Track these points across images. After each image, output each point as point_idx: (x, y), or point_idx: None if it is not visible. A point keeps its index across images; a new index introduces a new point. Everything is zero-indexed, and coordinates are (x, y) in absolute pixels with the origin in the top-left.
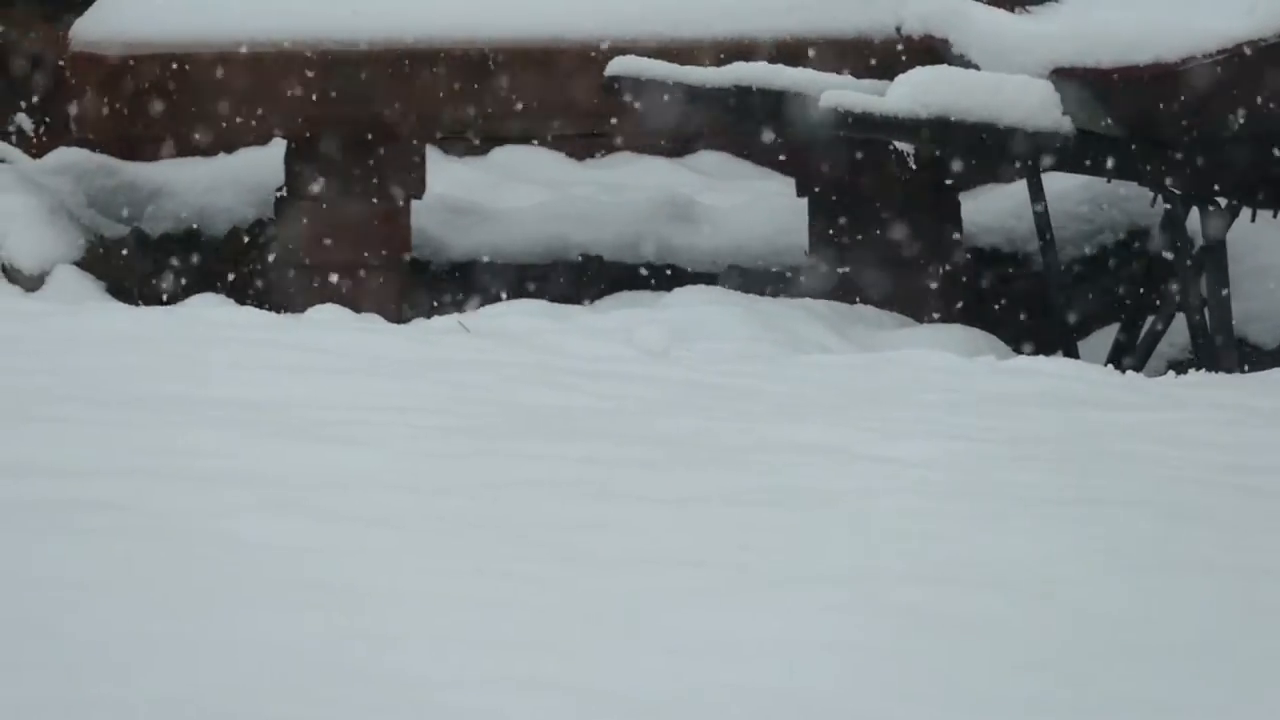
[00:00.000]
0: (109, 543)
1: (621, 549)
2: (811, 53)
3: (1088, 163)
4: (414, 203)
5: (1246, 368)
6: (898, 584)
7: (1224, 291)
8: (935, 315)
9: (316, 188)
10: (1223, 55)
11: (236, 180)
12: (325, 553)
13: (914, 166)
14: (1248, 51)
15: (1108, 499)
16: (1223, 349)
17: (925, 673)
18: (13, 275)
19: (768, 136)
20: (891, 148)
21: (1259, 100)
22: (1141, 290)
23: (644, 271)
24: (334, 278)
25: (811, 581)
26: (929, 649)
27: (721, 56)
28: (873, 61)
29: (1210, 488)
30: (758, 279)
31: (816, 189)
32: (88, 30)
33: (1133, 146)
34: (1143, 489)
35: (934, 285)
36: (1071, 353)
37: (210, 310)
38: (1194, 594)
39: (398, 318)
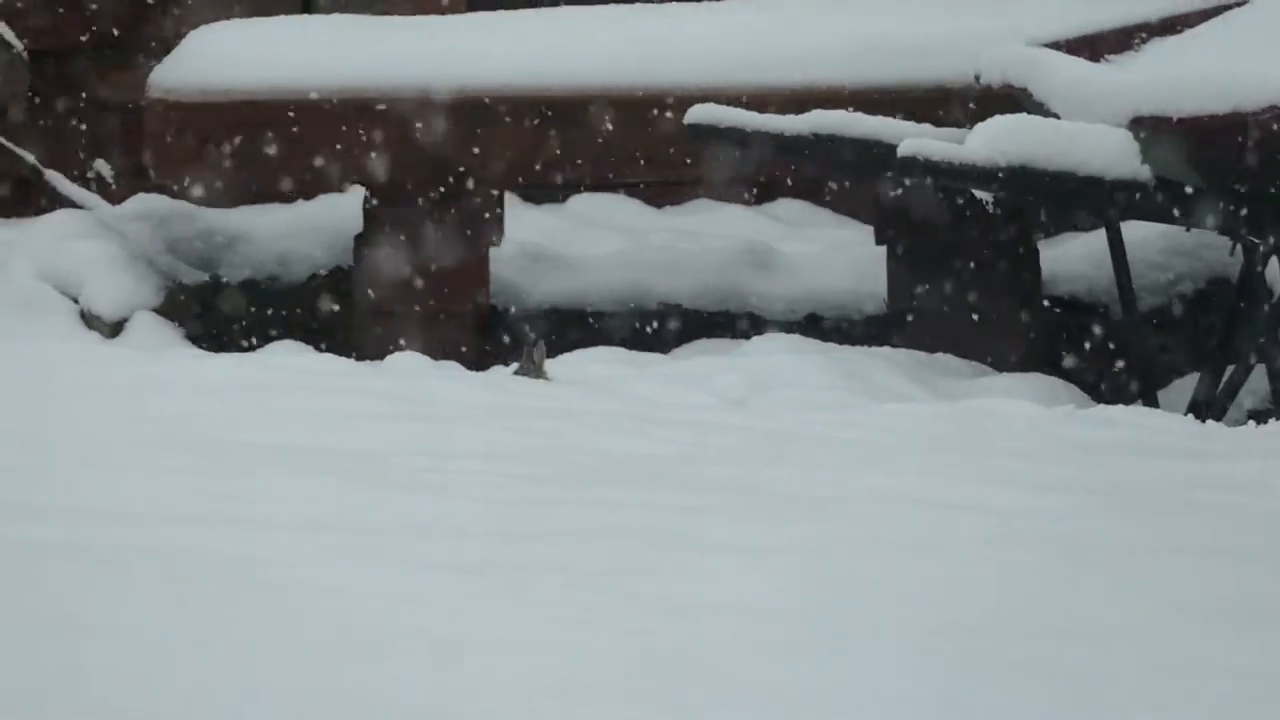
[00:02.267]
0: (189, 591)
1: (704, 597)
2: (889, 101)
3: (1167, 212)
4: (492, 250)
5: None
6: (981, 634)
7: None
8: (1014, 364)
9: (395, 235)
10: None
11: (315, 227)
12: (410, 601)
13: (992, 214)
14: None
15: (1189, 548)
16: None
17: None
18: (91, 321)
19: (846, 184)
20: (970, 196)
21: None
22: (1221, 339)
23: (722, 319)
24: (412, 325)
25: (898, 631)
26: (1015, 700)
27: (800, 105)
28: (951, 110)
29: None
30: (837, 327)
31: (895, 237)
32: (166, 77)
33: (1211, 195)
34: (1223, 538)
35: (1013, 334)
36: (1151, 402)
37: (289, 357)
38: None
39: (476, 365)
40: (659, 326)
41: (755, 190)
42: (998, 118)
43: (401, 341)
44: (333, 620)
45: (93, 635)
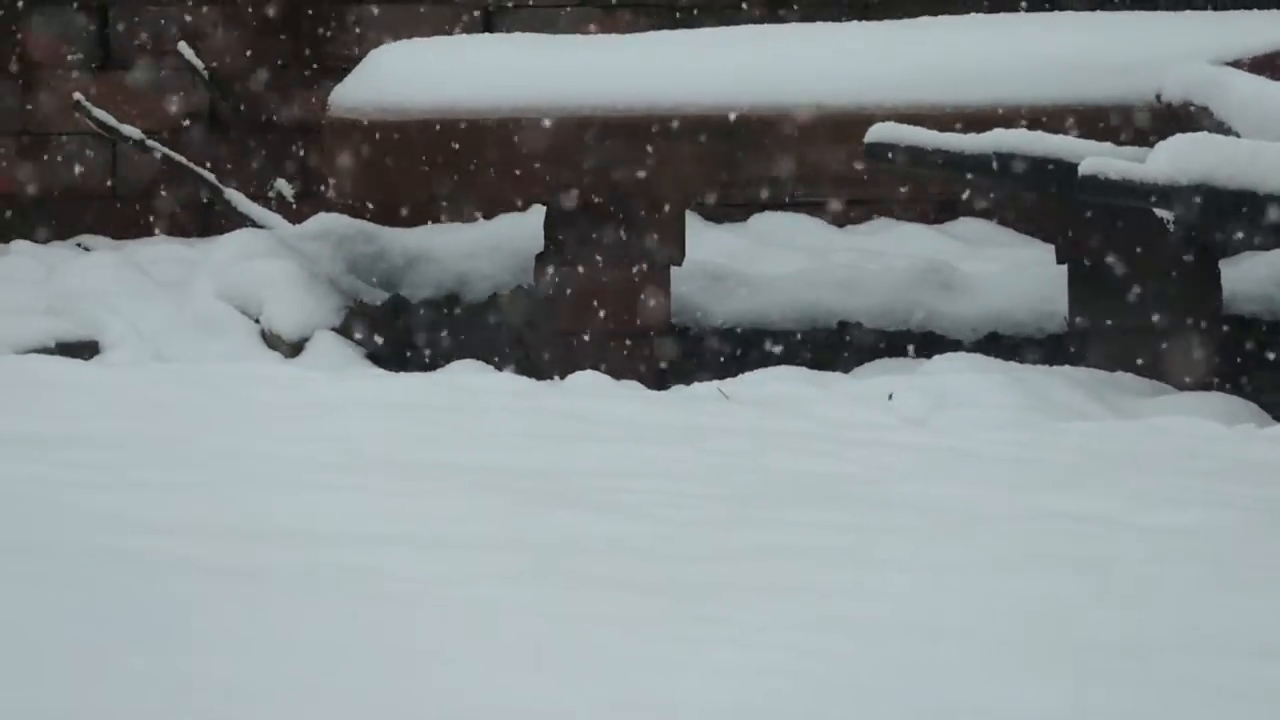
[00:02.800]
0: (371, 609)
1: (884, 617)
2: (1070, 120)
3: None
4: (674, 269)
5: None
6: (1171, 653)
7: None
8: (1195, 383)
9: (576, 254)
10: None
11: (496, 246)
12: (587, 619)
13: (1174, 233)
14: None
15: None
16: None
17: None
18: (272, 341)
19: (1028, 203)
20: (1152, 215)
21: None
22: None
23: (903, 339)
24: (593, 344)
25: (1084, 653)
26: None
27: (982, 124)
28: (1132, 129)
29: None
30: (1018, 346)
31: (1077, 256)
32: (346, 96)
33: None
34: None
35: (1194, 352)
36: None
37: (471, 377)
38: None
39: (657, 384)
40: (840, 346)
41: (936, 208)
42: (1179, 136)
43: (583, 360)
44: (507, 639)
45: (291, 653)
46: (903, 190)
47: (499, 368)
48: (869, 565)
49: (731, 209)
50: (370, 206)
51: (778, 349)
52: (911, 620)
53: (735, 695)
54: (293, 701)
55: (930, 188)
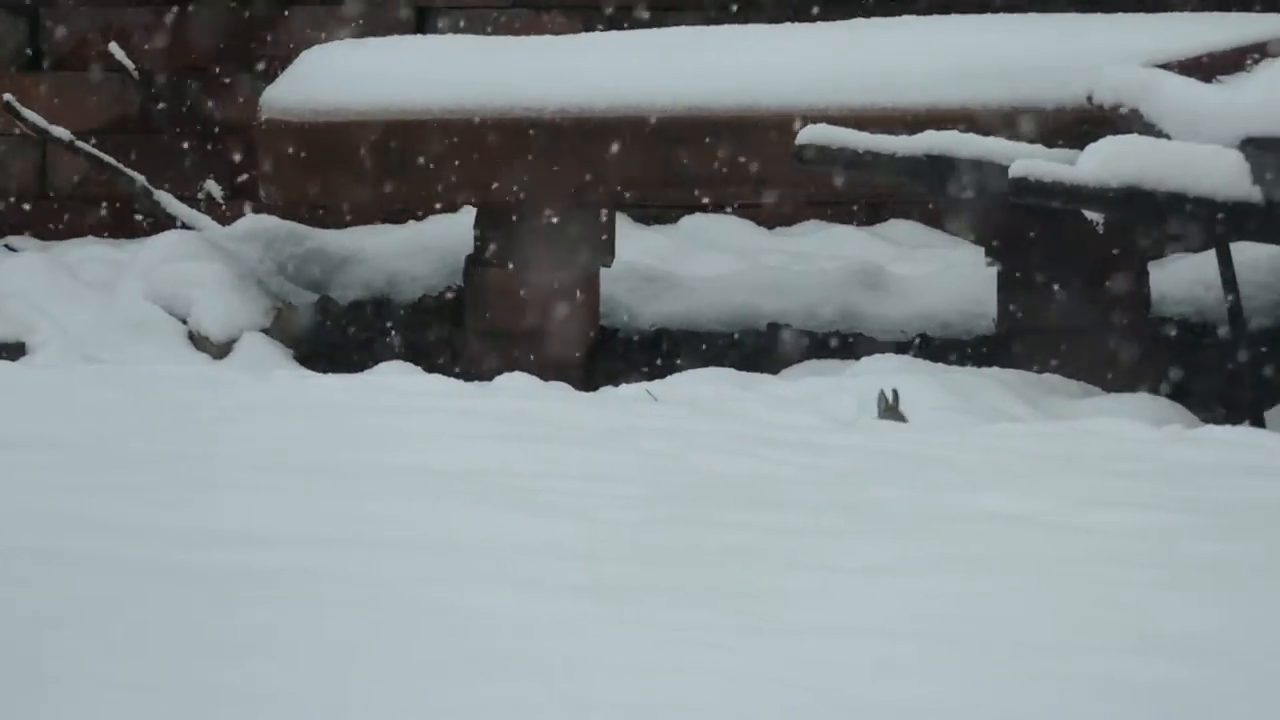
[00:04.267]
0: (303, 611)
1: (813, 618)
2: (1002, 122)
3: (1277, 233)
4: (603, 270)
5: None
6: (1093, 653)
7: None
8: (1123, 385)
9: (506, 255)
10: None
11: (426, 247)
12: (517, 621)
13: (1102, 235)
14: None
15: None
16: None
17: None
18: (200, 342)
19: (957, 205)
20: (1080, 217)
21: None
22: None
23: (833, 340)
24: (523, 345)
25: (1007, 652)
26: (1130, 717)
27: (913, 125)
28: (1063, 130)
29: None
30: (947, 348)
31: (1006, 258)
32: (278, 98)
33: None
34: None
35: (1122, 354)
36: (1259, 423)
37: (399, 378)
38: None
39: (586, 385)
40: (769, 347)
41: (865, 211)
42: (1109, 138)
43: (511, 362)
44: (444, 640)
45: (211, 654)
46: (835, 190)
47: (428, 369)
48: (801, 567)
49: (661, 210)
50: (301, 207)
51: (707, 350)
52: (843, 622)
53: (668, 696)
54: (208, 702)
55: (859, 188)
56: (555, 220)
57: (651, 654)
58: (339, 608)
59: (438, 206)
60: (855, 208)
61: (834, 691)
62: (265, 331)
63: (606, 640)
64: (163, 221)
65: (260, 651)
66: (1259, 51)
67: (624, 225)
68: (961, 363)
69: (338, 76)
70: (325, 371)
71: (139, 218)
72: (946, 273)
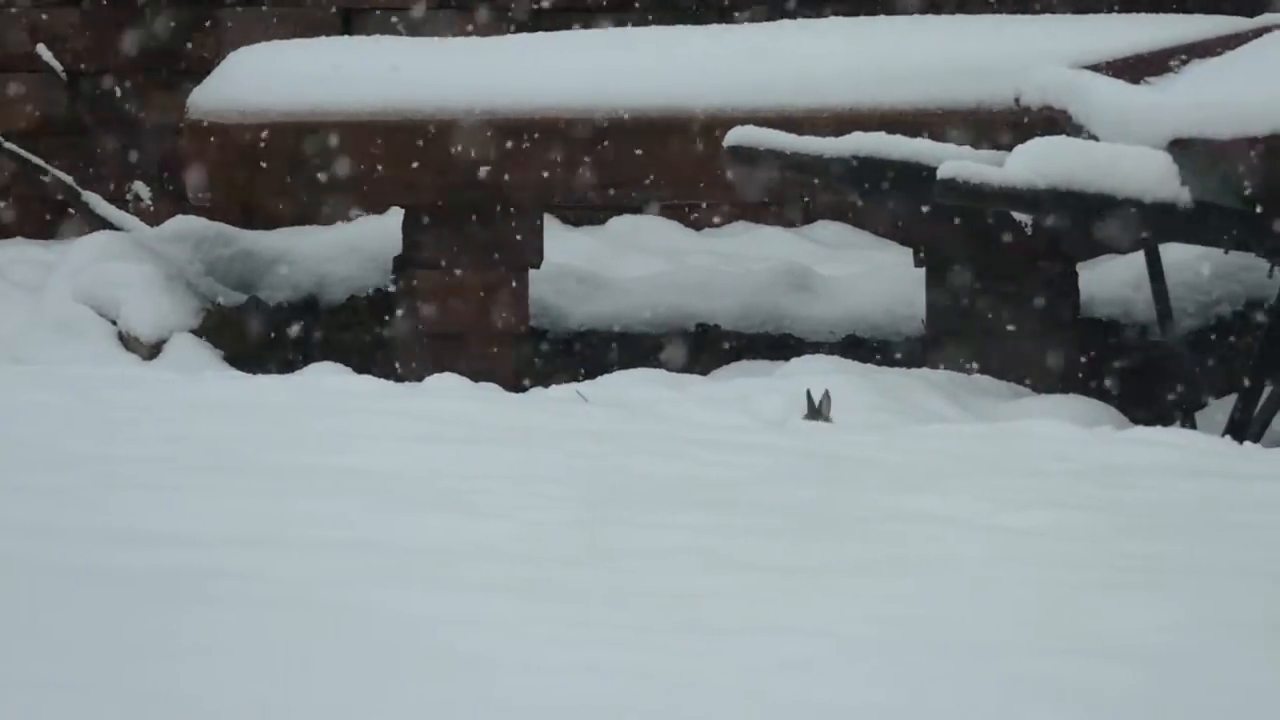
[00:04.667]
0: (233, 612)
1: (741, 618)
2: (931, 123)
3: (1206, 234)
4: (532, 272)
5: None
6: (1020, 654)
7: None
8: (1052, 386)
9: (435, 256)
10: None
11: (355, 249)
12: (446, 622)
13: (1031, 236)
14: None
15: (1227, 569)
16: None
17: None
18: (130, 343)
19: (885, 206)
20: (1009, 218)
21: None
22: (1259, 361)
23: (761, 341)
24: (451, 346)
25: (934, 652)
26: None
27: (841, 126)
28: (992, 132)
29: None
30: (876, 349)
31: (934, 259)
32: (205, 99)
33: (1250, 218)
34: (1263, 559)
35: (1052, 355)
36: (1189, 423)
37: (328, 379)
38: None
39: (515, 386)
40: (698, 348)
41: (794, 212)
42: (1037, 140)
43: (440, 363)
44: (370, 640)
45: (139, 655)
46: (764, 193)
47: (357, 370)
48: (730, 567)
49: (590, 212)
50: (229, 208)
51: (636, 351)
52: (769, 622)
53: (599, 697)
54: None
55: (787, 190)
56: (483, 221)
57: (576, 654)
58: (268, 608)
59: (366, 207)
60: (785, 209)
61: (757, 692)
62: (195, 332)
63: (530, 640)
64: (91, 223)
65: (192, 653)
66: (1186, 52)
67: (552, 227)
68: (891, 364)
69: (264, 78)
70: (255, 372)
71: (69, 219)
72: (875, 274)
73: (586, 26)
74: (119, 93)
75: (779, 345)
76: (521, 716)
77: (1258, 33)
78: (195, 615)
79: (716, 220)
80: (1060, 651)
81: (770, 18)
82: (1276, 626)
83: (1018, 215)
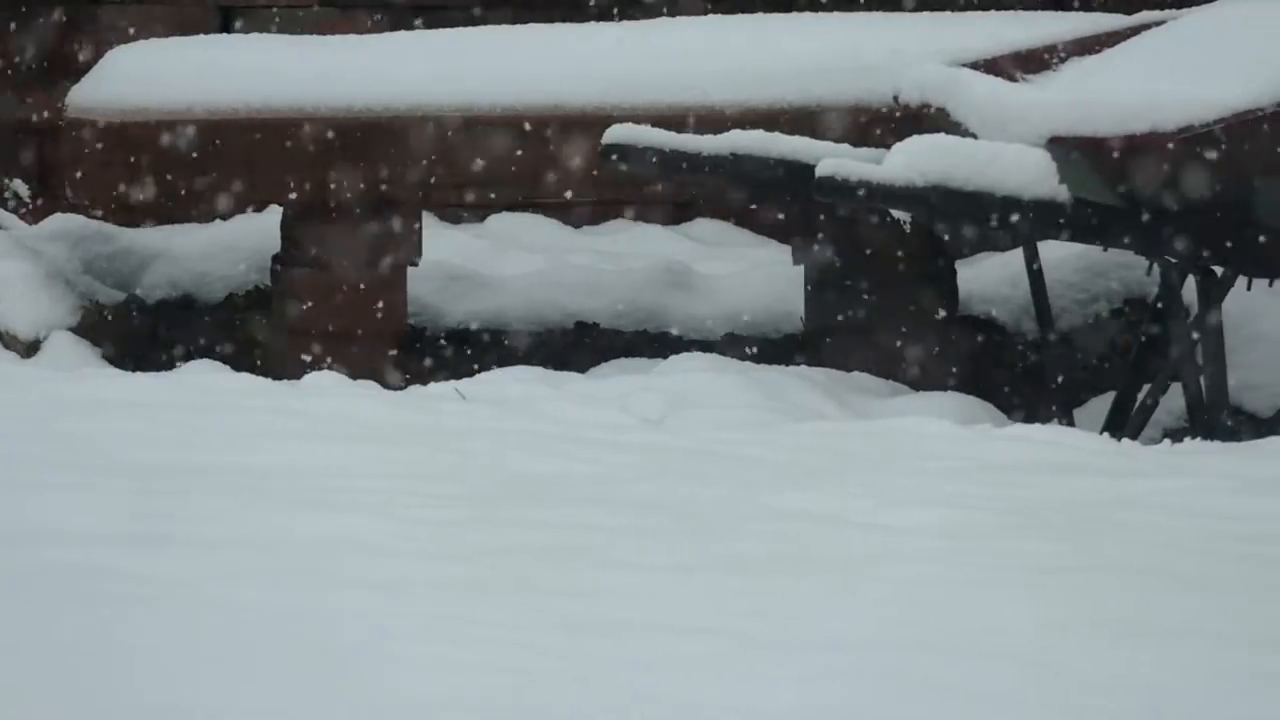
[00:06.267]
0: (113, 609)
1: (622, 616)
2: (808, 121)
3: (1084, 231)
4: (410, 270)
5: (1242, 436)
6: (900, 652)
7: (1220, 360)
8: (931, 383)
9: (312, 254)
10: (1220, 124)
11: (233, 246)
12: (324, 619)
13: (909, 234)
14: (1245, 120)
15: (1105, 567)
16: (1219, 417)
17: None
18: (8, 341)
19: (764, 205)
20: (888, 216)
21: (1255, 169)
22: (1137, 359)
23: (640, 339)
24: (330, 344)
25: (814, 650)
26: (931, 715)
27: (719, 125)
28: (871, 130)
29: (1208, 556)
30: (754, 347)
31: (812, 257)
32: (84, 96)
33: (1129, 215)
34: (1140, 557)
35: (930, 353)
36: (1068, 421)
37: (207, 377)
38: (1195, 663)
39: (394, 385)
40: (576, 346)
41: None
42: (915, 138)
43: (319, 361)
44: (247, 638)
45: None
46: (644, 190)
47: (236, 368)
48: (610, 565)
49: (469, 210)
50: (107, 207)
51: (514, 349)
52: (649, 620)
53: (480, 692)
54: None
55: (665, 189)
56: (361, 220)
57: (460, 652)
58: (150, 606)
59: (244, 205)
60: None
61: (635, 691)
62: (73, 330)
63: (405, 638)
64: None
65: (76, 650)
66: (1065, 50)
67: (431, 224)
68: (770, 361)
69: (143, 75)
70: (133, 370)
71: None
72: (754, 272)
73: (472, 25)
74: None
75: (658, 343)
76: (395, 712)
77: (1135, 30)
78: (74, 615)
79: (594, 218)
80: (939, 649)
81: (624, 13)
82: (1154, 624)
83: (896, 213)
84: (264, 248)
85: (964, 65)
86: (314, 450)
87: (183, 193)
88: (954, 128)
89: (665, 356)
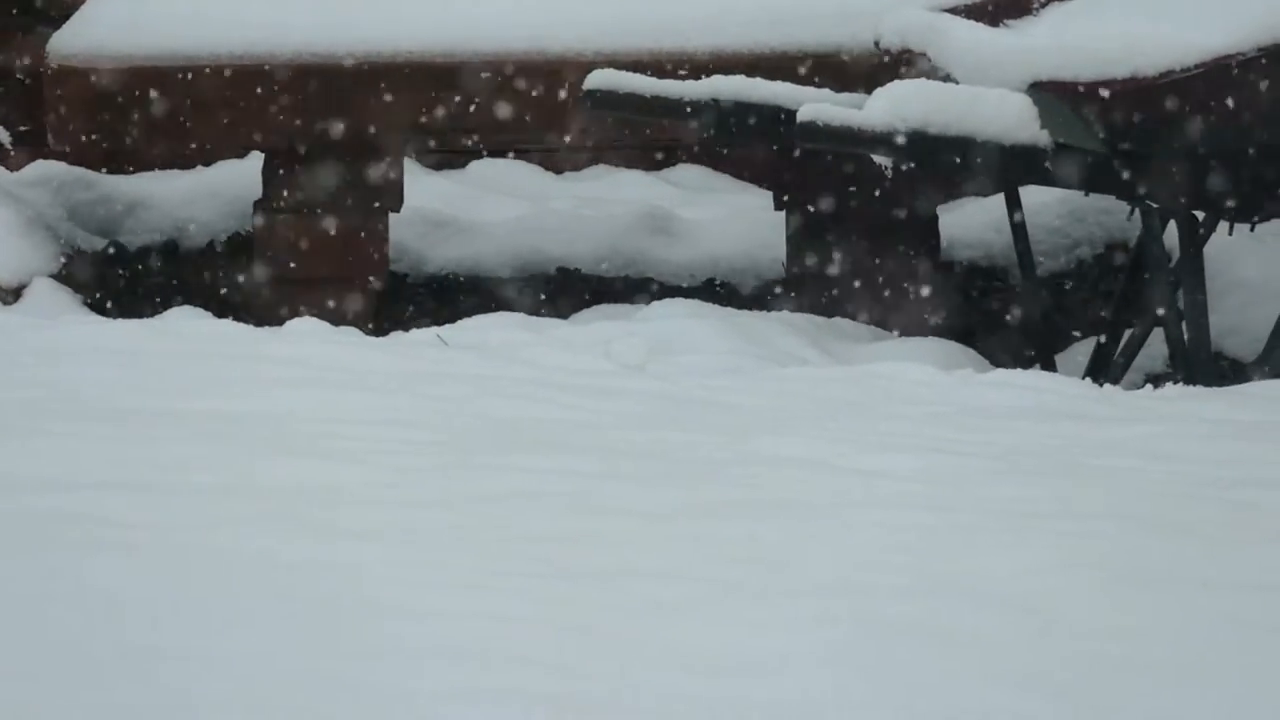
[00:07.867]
0: (93, 555)
1: (605, 563)
2: (790, 66)
3: (1066, 176)
4: (391, 216)
5: (1224, 381)
6: (884, 596)
7: (1201, 305)
8: (913, 329)
9: (294, 200)
10: (1201, 69)
11: (215, 193)
12: (309, 567)
13: (891, 179)
14: (1226, 65)
15: (1088, 512)
16: (1200, 362)
17: (919, 687)
18: None
19: (746, 150)
20: (869, 161)
21: (1237, 114)
22: (1119, 304)
23: (622, 285)
24: (311, 291)
25: (798, 595)
26: (919, 662)
27: (700, 70)
28: (851, 75)
29: (1191, 500)
30: (736, 292)
31: (794, 202)
32: (65, 43)
33: (1110, 160)
34: (1123, 502)
35: (911, 299)
36: (1049, 366)
37: (189, 323)
38: (1179, 608)
39: (376, 331)
40: (558, 292)
41: (654, 156)
42: (896, 83)
43: (300, 307)
44: (231, 586)
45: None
46: (622, 136)
47: (218, 314)
48: (592, 511)
49: (450, 155)
50: (90, 153)
51: (496, 295)
52: (629, 565)
53: (469, 640)
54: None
55: (647, 134)
56: (343, 166)
57: (444, 599)
58: (130, 552)
59: (226, 152)
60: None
61: (619, 636)
62: (55, 277)
63: (398, 585)
64: None
65: (55, 595)
66: None
67: (412, 170)
68: (751, 307)
69: (125, 22)
70: (116, 317)
71: None
72: (735, 217)
73: None
74: None
75: (640, 289)
76: (374, 659)
77: None
78: (61, 562)
79: (575, 164)
80: (926, 594)
81: None
82: (1136, 569)
83: (878, 158)
84: (246, 194)
85: (945, 10)
86: (295, 396)
87: (165, 139)
88: (935, 73)
89: (647, 302)
